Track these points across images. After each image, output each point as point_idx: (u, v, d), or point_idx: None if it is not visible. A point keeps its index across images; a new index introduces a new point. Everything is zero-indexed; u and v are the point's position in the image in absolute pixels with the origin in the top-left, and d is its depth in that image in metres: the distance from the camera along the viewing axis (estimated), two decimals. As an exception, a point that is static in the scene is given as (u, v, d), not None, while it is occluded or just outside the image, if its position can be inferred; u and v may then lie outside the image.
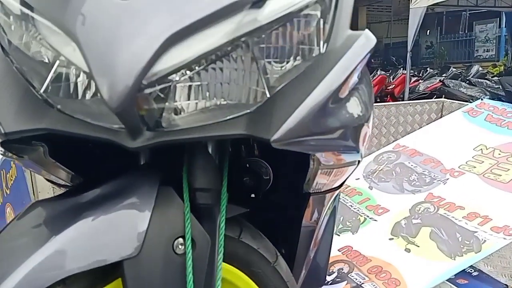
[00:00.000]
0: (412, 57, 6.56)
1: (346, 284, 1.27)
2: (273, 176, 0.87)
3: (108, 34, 0.44)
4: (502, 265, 1.41)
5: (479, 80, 6.75)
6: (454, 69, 7.39)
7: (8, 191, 1.49)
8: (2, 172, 1.47)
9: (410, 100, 5.49)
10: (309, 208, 0.88)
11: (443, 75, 7.20)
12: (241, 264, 0.79)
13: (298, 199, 0.85)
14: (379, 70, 8.09)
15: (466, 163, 1.81)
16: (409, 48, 6.22)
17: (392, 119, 3.21)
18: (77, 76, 0.50)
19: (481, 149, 1.89)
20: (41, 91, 0.52)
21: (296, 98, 0.53)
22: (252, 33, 0.48)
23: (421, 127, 2.55)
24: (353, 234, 1.53)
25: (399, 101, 5.35)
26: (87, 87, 0.49)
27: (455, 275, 1.28)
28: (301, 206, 0.86)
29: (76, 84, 0.51)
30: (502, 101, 2.96)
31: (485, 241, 1.35)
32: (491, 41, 10.98)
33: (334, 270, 1.33)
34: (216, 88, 0.52)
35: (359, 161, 0.73)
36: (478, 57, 10.95)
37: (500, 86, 5.36)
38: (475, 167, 1.78)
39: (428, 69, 8.13)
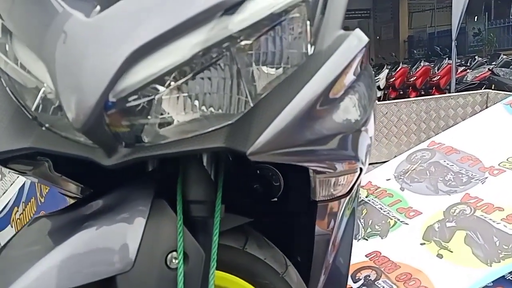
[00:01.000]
0: (458, 46, 6.24)
1: (373, 292, 1.22)
2: (284, 182, 0.86)
3: (74, 54, 0.44)
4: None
5: (533, 67, 6.31)
6: (504, 57, 6.95)
7: (42, 200, 1.56)
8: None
9: (457, 91, 5.23)
10: (321, 215, 0.85)
11: (493, 64, 6.80)
12: (247, 275, 0.78)
13: (310, 206, 0.83)
14: (423, 61, 7.79)
15: (507, 160, 1.68)
16: (453, 36, 5.90)
17: (432, 113, 3.07)
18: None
19: (525, 144, 1.76)
20: (32, 109, 0.54)
21: (277, 106, 0.51)
22: (222, 42, 0.47)
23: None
24: (382, 238, 1.47)
25: (446, 93, 5.14)
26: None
27: (492, 282, 1.20)
28: (313, 214, 0.84)
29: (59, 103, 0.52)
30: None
31: (527, 245, 1.25)
32: (547, 24, 10.23)
33: (360, 277, 1.29)
34: (200, 99, 0.52)
35: (361, 169, 0.69)
36: (533, 42, 10.24)
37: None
38: (517, 164, 1.66)
39: (476, 57, 7.71)
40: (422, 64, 7.55)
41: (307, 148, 0.53)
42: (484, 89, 4.86)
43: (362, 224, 1.56)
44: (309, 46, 0.55)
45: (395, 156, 2.11)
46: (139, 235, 0.59)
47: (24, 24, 0.49)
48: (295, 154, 0.53)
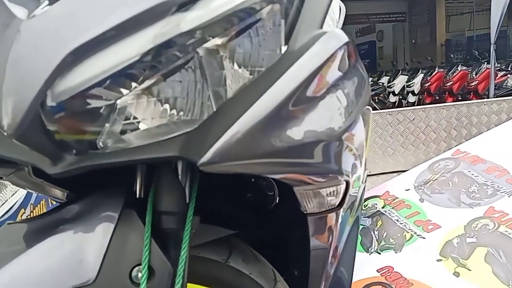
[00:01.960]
0: (498, 50, 5.93)
1: (383, 310, 1.14)
2: (278, 192, 0.81)
3: (13, 55, 0.42)
4: None
5: None
6: (548, 61, 6.56)
7: (54, 203, 1.59)
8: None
9: (497, 97, 4.98)
10: (316, 227, 0.80)
11: (536, 68, 6.44)
12: (229, 291, 0.74)
13: (305, 218, 0.78)
14: (460, 65, 7.49)
15: (538, 171, 1.55)
16: (492, 40, 5.62)
17: (464, 120, 2.92)
18: None
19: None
20: None
21: (237, 111, 0.47)
22: (171, 41, 0.43)
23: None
24: (396, 253, 1.39)
25: (484, 98, 4.91)
26: None
27: (514, 306, 1.09)
28: (307, 226, 0.79)
29: None
30: None
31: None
32: None
33: (369, 293, 1.21)
34: (170, 103, 0.48)
35: (347, 182, 0.63)
36: None
37: None
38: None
39: (518, 61, 7.33)
40: (459, 68, 7.26)
41: (270, 160, 0.49)
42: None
43: (375, 237, 1.47)
44: (282, 46, 0.51)
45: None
46: (104, 247, 0.56)
47: None
48: (256, 165, 0.49)
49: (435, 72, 7.45)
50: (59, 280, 0.55)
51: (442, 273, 1.23)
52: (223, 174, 0.49)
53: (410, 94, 7.64)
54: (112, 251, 0.57)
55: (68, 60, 0.41)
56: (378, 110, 3.16)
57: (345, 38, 0.54)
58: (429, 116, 2.86)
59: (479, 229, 1.36)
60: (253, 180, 0.82)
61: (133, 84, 0.46)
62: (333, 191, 0.65)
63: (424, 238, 1.41)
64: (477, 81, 6.82)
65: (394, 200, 1.63)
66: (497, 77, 6.00)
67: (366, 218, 1.58)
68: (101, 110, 0.46)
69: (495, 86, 5.65)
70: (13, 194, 1.24)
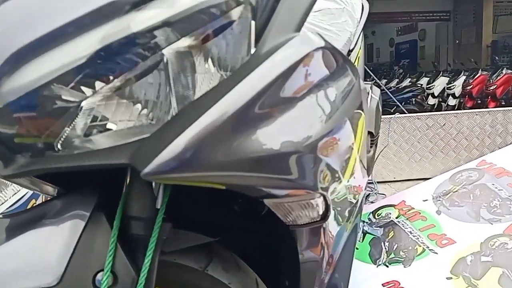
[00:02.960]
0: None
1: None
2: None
3: None
4: None
5: None
6: None
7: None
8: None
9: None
10: (303, 240, 0.77)
11: None
12: (205, 300, 0.72)
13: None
14: (505, 68, 7.10)
15: None
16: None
17: (499, 127, 2.76)
18: None
19: None
20: None
21: (190, 119, 0.45)
22: (120, 42, 0.42)
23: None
24: (404, 267, 1.32)
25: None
26: None
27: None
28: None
29: None
30: None
31: None
32: None
33: (371, 308, 1.16)
34: (134, 106, 0.47)
35: (323, 195, 0.60)
36: None
37: None
38: None
39: None
40: (504, 72, 6.88)
41: (224, 173, 0.46)
42: None
43: (385, 248, 1.41)
44: (251, 48, 0.49)
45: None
46: (70, 249, 0.56)
47: None
48: (209, 177, 0.46)
49: (478, 75, 7.10)
50: (23, 280, 0.55)
51: (450, 293, 1.16)
52: None
53: (450, 97, 7.33)
54: (78, 255, 0.57)
55: (12, 60, 0.40)
56: (405, 113, 3.04)
57: (318, 43, 0.51)
58: (461, 122, 2.72)
59: (496, 248, 1.28)
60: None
61: (99, 85, 0.45)
62: (308, 204, 0.62)
63: (436, 253, 1.34)
64: (521, 86, 6.46)
65: (409, 210, 1.56)
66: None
67: (378, 228, 1.52)
68: (62, 111, 0.45)
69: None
70: (15, 193, 1.28)
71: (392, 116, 2.77)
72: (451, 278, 1.23)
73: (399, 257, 1.36)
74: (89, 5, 0.41)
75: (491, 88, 6.85)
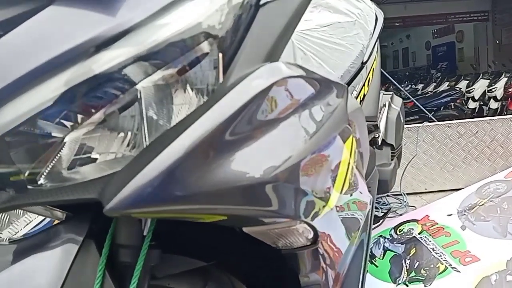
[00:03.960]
0: None
1: None
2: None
3: None
4: None
5: None
6: None
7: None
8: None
9: None
10: (300, 264, 0.77)
11: None
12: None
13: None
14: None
15: None
16: None
17: (536, 135, 2.62)
18: None
19: None
20: None
21: (157, 151, 0.46)
22: (83, 84, 0.44)
23: None
24: (425, 286, 1.27)
25: None
26: None
27: None
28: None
29: None
30: None
31: None
32: None
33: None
34: (111, 140, 0.50)
35: (304, 222, 0.60)
36: None
37: None
38: None
39: None
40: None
41: (186, 207, 0.47)
42: None
43: (406, 266, 1.37)
44: (220, 80, 0.50)
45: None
46: (63, 276, 0.59)
47: None
48: (170, 212, 0.48)
49: (521, 76, 6.78)
50: None
51: (472, 315, 1.10)
52: None
53: (492, 100, 7.03)
54: (69, 281, 0.59)
55: None
56: (435, 122, 2.94)
57: (285, 73, 0.52)
58: (495, 129, 2.60)
59: (524, 267, 1.20)
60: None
61: (80, 119, 0.47)
62: (292, 231, 0.62)
63: (459, 271, 1.28)
64: None
65: (433, 226, 1.50)
66: None
67: (399, 245, 1.48)
68: (42, 148, 0.48)
69: None
70: (27, 224, 1.33)
71: (420, 125, 2.69)
72: (474, 298, 1.17)
73: (420, 276, 1.31)
74: (54, 51, 0.44)
75: (535, 89, 6.52)
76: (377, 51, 1.70)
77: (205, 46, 0.49)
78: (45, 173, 0.49)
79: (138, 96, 0.48)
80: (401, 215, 2.12)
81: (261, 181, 0.50)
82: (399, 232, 1.55)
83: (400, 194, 2.61)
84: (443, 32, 13.06)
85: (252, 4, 0.53)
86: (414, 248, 1.43)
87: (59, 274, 0.59)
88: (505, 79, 6.97)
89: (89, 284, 0.60)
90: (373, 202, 1.47)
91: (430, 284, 1.28)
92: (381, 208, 2.37)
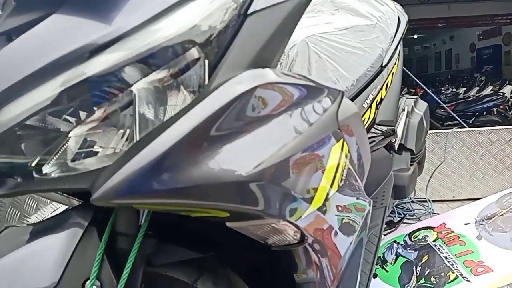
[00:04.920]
0: None
1: None
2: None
3: None
4: None
5: None
6: None
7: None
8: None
9: None
10: (293, 260, 0.81)
11: None
12: (193, 313, 0.78)
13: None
14: None
15: None
16: None
17: None
18: None
19: None
20: None
21: (142, 147, 0.51)
22: (77, 86, 0.50)
23: None
24: (433, 294, 1.26)
25: None
26: None
27: None
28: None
29: None
30: None
31: None
32: None
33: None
34: (111, 136, 0.55)
35: (288, 221, 0.63)
36: None
37: None
38: None
39: None
40: None
41: (166, 200, 0.52)
42: None
43: (416, 273, 1.36)
44: (205, 85, 0.54)
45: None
46: (66, 259, 0.66)
47: None
48: (153, 205, 0.52)
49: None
50: (26, 281, 0.65)
51: (477, 326, 1.09)
52: None
53: (538, 107, 6.73)
54: (72, 264, 0.66)
55: None
56: (466, 128, 2.86)
57: (265, 79, 0.55)
58: (528, 137, 2.51)
59: (537, 280, 1.17)
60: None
61: (84, 116, 0.53)
62: (276, 230, 0.65)
63: (469, 281, 1.26)
64: None
65: (448, 234, 1.49)
66: None
67: (412, 251, 1.47)
68: (42, 144, 0.54)
69: None
70: (54, 211, 1.43)
71: (450, 130, 2.63)
72: (481, 309, 1.16)
73: (429, 283, 1.31)
74: (52, 56, 0.49)
75: None
76: (398, 55, 1.69)
77: (194, 52, 0.54)
78: (50, 163, 0.55)
79: (133, 96, 0.53)
80: (417, 221, 2.10)
81: (245, 178, 0.54)
82: (414, 238, 1.54)
83: (426, 201, 2.57)
84: (489, 34, 12.56)
85: (241, 14, 0.57)
86: (427, 255, 1.43)
87: (63, 255, 0.66)
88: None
89: (89, 266, 0.66)
90: (387, 207, 1.47)
91: (439, 293, 1.28)
92: (401, 215, 2.34)
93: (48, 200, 1.55)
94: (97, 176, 0.52)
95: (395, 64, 1.63)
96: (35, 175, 0.56)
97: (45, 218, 0.85)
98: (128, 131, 0.54)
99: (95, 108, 0.53)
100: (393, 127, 1.55)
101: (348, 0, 1.67)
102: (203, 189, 0.53)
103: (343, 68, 1.35)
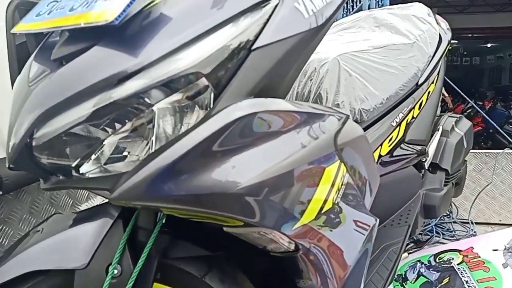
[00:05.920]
0: None
1: None
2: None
3: (15, 112, 0.68)
4: None
5: None
6: None
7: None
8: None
9: None
10: (292, 267, 0.90)
11: None
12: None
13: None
14: None
15: None
16: None
17: None
18: None
19: None
20: None
21: (155, 156, 0.63)
22: (106, 107, 0.62)
23: None
24: (447, 316, 1.28)
25: None
26: None
27: None
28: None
29: None
30: None
31: None
32: None
33: None
34: (137, 144, 0.68)
35: (280, 232, 0.72)
36: None
37: None
38: None
39: None
40: None
41: (171, 205, 0.63)
42: None
43: (434, 294, 1.38)
44: (209, 109, 0.65)
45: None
46: (96, 245, 0.80)
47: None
48: (162, 208, 0.64)
49: None
50: (65, 261, 0.80)
51: None
52: None
53: None
54: (101, 250, 0.80)
55: (39, 119, 0.64)
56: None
57: (258, 108, 0.65)
58: None
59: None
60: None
61: (117, 126, 0.66)
62: (272, 239, 0.75)
63: (486, 308, 1.27)
64: None
65: (474, 258, 1.48)
66: None
67: (434, 272, 1.48)
68: (84, 148, 0.68)
69: None
70: (102, 202, 1.61)
71: (500, 151, 2.55)
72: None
73: (444, 305, 1.33)
74: (89, 81, 0.63)
75: None
76: (438, 73, 1.70)
77: (204, 81, 0.65)
78: (87, 164, 0.69)
79: (154, 114, 0.65)
80: (445, 243, 2.07)
81: (240, 191, 0.64)
82: (439, 259, 1.55)
83: (467, 222, 2.51)
84: None
85: (246, 49, 0.67)
86: (448, 278, 1.44)
87: (94, 242, 0.80)
88: None
89: (113, 253, 0.79)
90: (411, 225, 1.50)
91: (453, 316, 1.29)
92: (439, 234, 2.32)
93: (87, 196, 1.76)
94: (117, 180, 0.65)
95: (432, 83, 1.65)
96: (74, 174, 0.70)
97: (88, 208, 1.01)
98: (150, 141, 0.67)
99: (126, 121, 0.66)
100: (424, 146, 1.57)
101: (390, 17, 1.71)
102: (206, 199, 0.64)
103: (373, 86, 1.39)
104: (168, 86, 0.64)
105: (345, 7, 5.19)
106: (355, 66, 1.38)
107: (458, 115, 2.02)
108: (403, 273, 1.50)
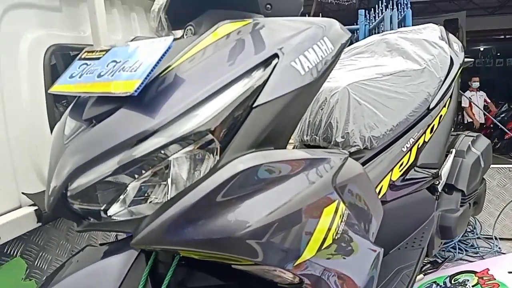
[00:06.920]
0: None
1: None
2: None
3: (52, 167, 0.81)
4: None
5: None
6: None
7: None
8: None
9: None
10: None
11: None
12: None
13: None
14: None
15: None
16: None
17: None
18: None
19: None
20: None
21: (171, 204, 0.73)
22: (129, 163, 0.74)
23: None
24: (458, 338, 1.32)
25: None
26: None
27: None
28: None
29: None
30: None
31: None
32: None
33: None
34: (158, 188, 0.80)
35: (283, 268, 0.81)
36: None
37: None
38: None
39: None
40: None
41: (184, 248, 0.74)
42: None
43: (447, 315, 1.42)
44: (215, 161, 0.75)
45: None
46: (121, 278, 0.91)
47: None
48: (174, 250, 0.75)
49: None
50: None
51: None
52: None
53: None
54: (127, 280, 0.91)
55: (74, 173, 0.76)
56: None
57: (259, 161, 0.75)
58: None
59: None
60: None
61: (139, 174, 0.78)
62: (275, 275, 0.84)
63: (497, 331, 1.30)
64: None
65: (489, 280, 1.52)
66: None
67: (449, 293, 1.53)
68: (111, 193, 0.80)
69: None
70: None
71: (525, 166, 2.55)
72: None
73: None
74: (114, 142, 0.74)
75: None
76: (450, 97, 1.75)
77: (211, 136, 0.75)
78: (114, 207, 0.80)
79: (170, 163, 0.76)
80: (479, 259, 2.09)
81: (242, 235, 0.74)
82: (454, 281, 1.60)
83: (491, 238, 2.52)
84: None
85: (248, 105, 0.77)
86: (462, 299, 1.48)
87: (119, 275, 0.91)
88: None
89: (136, 285, 0.90)
90: (424, 248, 1.55)
91: (464, 338, 1.34)
92: (462, 251, 2.34)
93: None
94: (138, 224, 0.76)
95: (444, 106, 1.70)
96: (103, 215, 0.82)
97: (116, 240, 1.13)
98: (167, 186, 0.78)
99: (149, 168, 0.77)
100: (436, 169, 1.63)
101: (402, 42, 1.78)
102: (214, 243, 0.74)
103: (382, 113, 1.46)
104: (181, 141, 0.75)
105: (368, 18, 5.26)
106: (364, 94, 1.46)
107: (475, 134, 2.05)
108: (419, 295, 1.56)
